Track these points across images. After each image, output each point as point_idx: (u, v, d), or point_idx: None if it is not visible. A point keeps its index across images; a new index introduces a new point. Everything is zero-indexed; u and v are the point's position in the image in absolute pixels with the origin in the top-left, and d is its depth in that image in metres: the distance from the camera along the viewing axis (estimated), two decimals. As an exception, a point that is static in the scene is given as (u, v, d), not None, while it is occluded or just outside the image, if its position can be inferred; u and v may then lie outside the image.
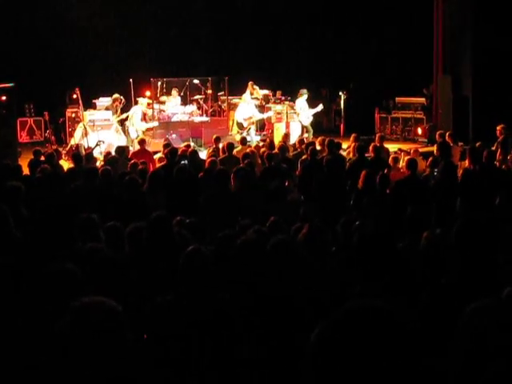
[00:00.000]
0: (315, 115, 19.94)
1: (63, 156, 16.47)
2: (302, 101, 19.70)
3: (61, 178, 10.11)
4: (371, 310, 1.95)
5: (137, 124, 18.42)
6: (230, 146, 13.31)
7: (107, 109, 19.13)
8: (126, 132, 18.62)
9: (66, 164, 14.98)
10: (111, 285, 4.66)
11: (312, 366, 1.95)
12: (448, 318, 3.33)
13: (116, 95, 19.19)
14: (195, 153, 13.05)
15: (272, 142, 15.06)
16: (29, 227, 6.63)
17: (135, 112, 18.55)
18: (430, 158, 12.07)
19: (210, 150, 14.48)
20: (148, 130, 19.00)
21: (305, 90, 19.83)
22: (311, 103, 19.87)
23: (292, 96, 21.37)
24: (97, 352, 2.63)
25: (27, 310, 4.01)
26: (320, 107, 19.82)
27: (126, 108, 19.10)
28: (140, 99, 19.17)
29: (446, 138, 14.63)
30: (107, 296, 2.84)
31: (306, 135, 19.28)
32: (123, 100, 19.11)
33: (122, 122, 19.15)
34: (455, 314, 2.93)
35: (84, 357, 2.62)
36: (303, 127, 19.75)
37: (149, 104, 19.64)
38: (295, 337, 4.27)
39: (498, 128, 14.72)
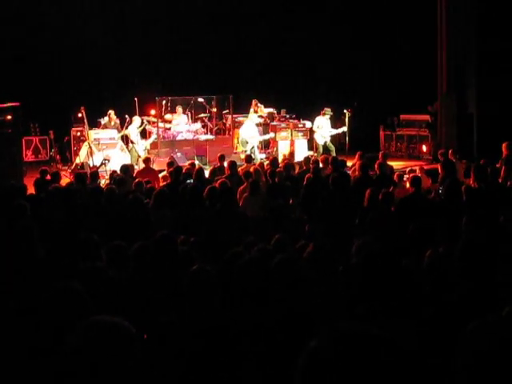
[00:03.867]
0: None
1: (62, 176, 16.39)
2: (322, 119, 19.60)
3: (67, 197, 10.11)
4: (361, 336, 1.92)
5: (138, 141, 18.53)
6: (234, 165, 13.33)
7: (105, 126, 19.23)
8: (130, 151, 18.66)
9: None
10: (113, 304, 4.65)
11: None
12: (451, 334, 3.33)
13: (110, 111, 19.30)
14: (201, 171, 13.07)
15: (275, 159, 15.05)
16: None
17: (130, 131, 18.64)
18: (440, 176, 12.10)
19: (211, 168, 14.54)
20: (153, 148, 19.07)
21: (329, 110, 19.70)
22: (333, 123, 19.96)
23: (297, 114, 21.42)
24: (105, 371, 2.62)
25: (34, 327, 4.03)
26: (342, 129, 19.82)
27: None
28: (134, 117, 19.21)
29: (449, 155, 14.63)
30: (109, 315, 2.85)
31: (310, 153, 19.27)
32: (128, 119, 19.16)
33: (127, 139, 19.24)
34: (458, 331, 2.94)
35: (92, 374, 2.61)
36: (317, 145, 19.77)
37: (153, 122, 19.76)
38: (299, 355, 4.26)
39: (503, 145, 14.71)
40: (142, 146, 18.61)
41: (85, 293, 4.04)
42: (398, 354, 1.87)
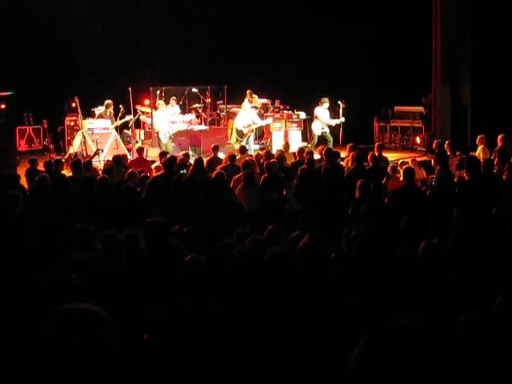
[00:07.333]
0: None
1: (65, 166, 16.31)
2: (320, 109, 19.56)
3: (60, 186, 10.09)
4: (416, 330, 1.87)
5: (165, 128, 18.57)
6: (233, 157, 13.40)
7: (100, 116, 19.15)
8: (154, 138, 18.74)
9: (66, 174, 14.91)
10: (105, 295, 4.65)
11: None
12: (445, 325, 3.33)
13: (108, 101, 19.22)
14: (200, 160, 13.02)
15: (269, 152, 15.05)
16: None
17: (158, 118, 18.68)
18: (437, 169, 12.12)
19: (208, 159, 14.48)
20: (147, 138, 19.02)
21: (326, 99, 19.63)
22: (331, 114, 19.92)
23: (291, 105, 21.39)
24: (79, 356, 2.63)
25: (25, 316, 4.02)
26: (338, 121, 19.80)
27: (123, 116, 19.12)
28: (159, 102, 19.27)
29: (445, 147, 14.64)
30: (101, 306, 2.85)
31: (305, 144, 19.25)
32: (122, 109, 19.11)
33: (120, 130, 19.21)
34: (452, 322, 2.94)
35: (67, 360, 2.62)
36: (312, 135, 19.74)
37: (147, 112, 19.71)
38: (293, 347, 4.27)
39: (498, 137, 14.70)
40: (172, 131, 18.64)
41: (79, 283, 4.04)
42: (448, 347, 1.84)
